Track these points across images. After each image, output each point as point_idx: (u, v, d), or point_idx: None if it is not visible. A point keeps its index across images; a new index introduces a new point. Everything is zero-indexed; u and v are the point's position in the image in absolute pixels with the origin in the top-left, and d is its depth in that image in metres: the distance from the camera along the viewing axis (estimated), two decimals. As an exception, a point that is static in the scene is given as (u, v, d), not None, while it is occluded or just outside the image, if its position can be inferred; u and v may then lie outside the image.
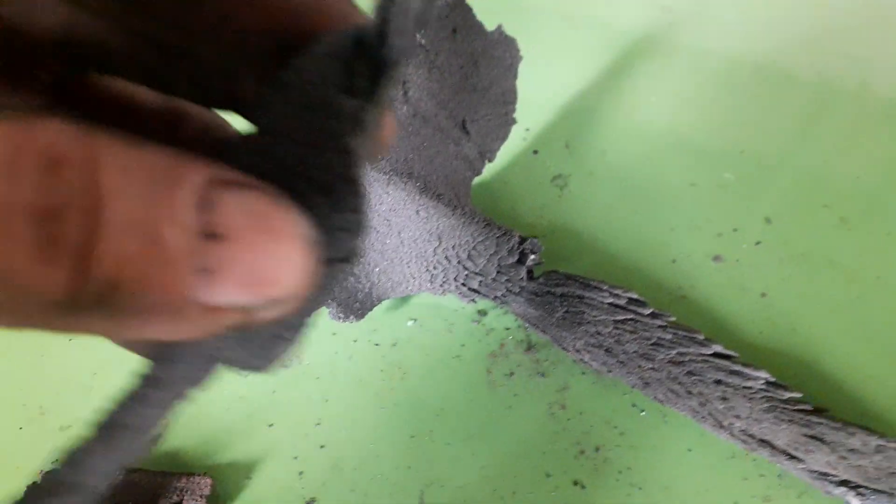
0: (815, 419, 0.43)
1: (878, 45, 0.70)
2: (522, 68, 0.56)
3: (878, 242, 0.56)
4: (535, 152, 0.62)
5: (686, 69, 0.68)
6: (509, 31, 0.54)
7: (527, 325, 0.50)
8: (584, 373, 0.48)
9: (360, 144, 0.14)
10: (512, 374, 0.48)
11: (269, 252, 0.11)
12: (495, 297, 0.49)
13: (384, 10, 0.13)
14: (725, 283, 0.53)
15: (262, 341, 0.15)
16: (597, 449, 0.45)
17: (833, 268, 0.54)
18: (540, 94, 0.64)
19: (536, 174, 0.60)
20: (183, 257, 0.10)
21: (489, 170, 0.60)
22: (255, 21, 0.14)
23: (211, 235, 0.11)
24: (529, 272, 0.49)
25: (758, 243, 0.56)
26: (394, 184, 0.48)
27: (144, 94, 0.18)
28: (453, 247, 0.48)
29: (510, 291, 0.48)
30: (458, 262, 0.48)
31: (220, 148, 0.13)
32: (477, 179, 0.60)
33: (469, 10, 0.56)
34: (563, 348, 0.48)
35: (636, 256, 0.54)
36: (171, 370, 0.15)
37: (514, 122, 0.60)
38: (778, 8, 0.71)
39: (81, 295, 0.10)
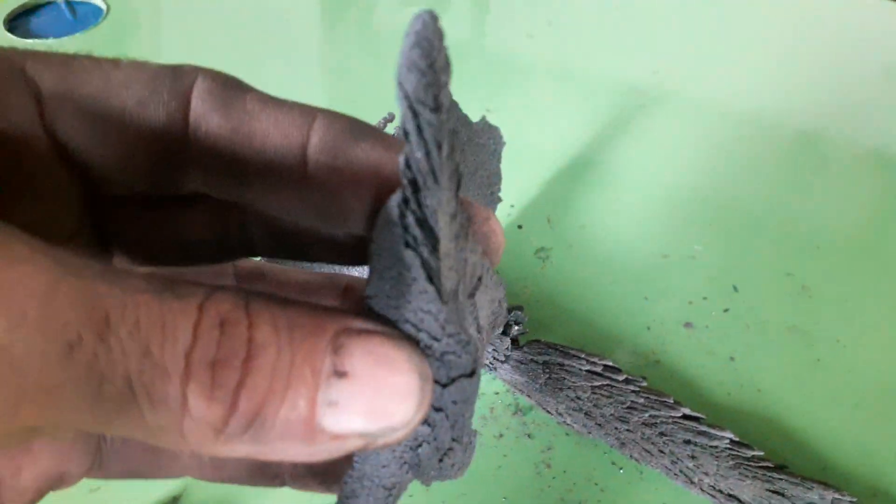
0: (776, 475, 0.48)
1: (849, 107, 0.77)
2: (506, 152, 0.62)
3: (837, 308, 0.61)
4: (520, 227, 0.68)
5: (660, 143, 0.75)
6: (498, 106, 0.60)
7: (514, 390, 0.54)
8: (567, 434, 0.52)
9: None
10: (501, 435, 0.52)
11: (384, 385, 0.14)
12: (484, 365, 0.54)
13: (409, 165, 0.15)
14: (696, 348, 0.58)
15: (430, 462, 0.19)
16: (580, 506, 0.49)
17: (795, 333, 0.60)
18: (523, 173, 0.71)
19: (521, 247, 0.66)
20: (312, 392, 0.13)
21: (478, 245, 0.66)
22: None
23: (340, 374, 0.13)
24: (515, 341, 0.54)
25: (726, 310, 0.61)
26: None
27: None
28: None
29: (497, 359, 0.53)
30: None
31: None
32: (467, 254, 0.65)
33: (455, 104, 0.63)
34: (548, 411, 0.52)
35: (613, 324, 0.60)
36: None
37: (499, 200, 0.66)
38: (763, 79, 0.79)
39: (232, 422, 0.12)
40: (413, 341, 0.16)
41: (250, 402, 0.12)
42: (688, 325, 0.60)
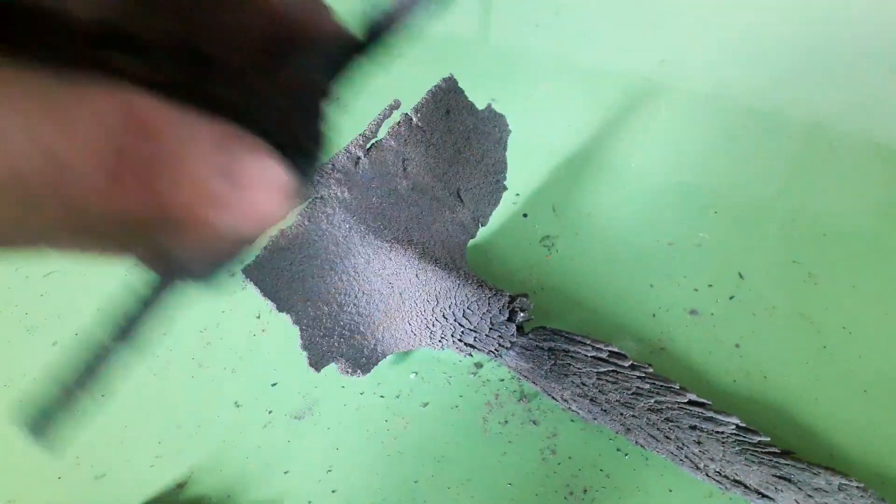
0: (782, 461, 0.47)
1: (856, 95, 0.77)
2: (512, 140, 0.62)
3: (844, 295, 0.61)
4: (525, 215, 0.67)
5: (666, 132, 0.75)
6: (504, 95, 0.60)
7: (519, 376, 0.54)
8: (572, 420, 0.52)
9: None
10: (506, 422, 0.52)
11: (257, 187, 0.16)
12: (489, 352, 0.54)
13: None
14: (702, 335, 0.58)
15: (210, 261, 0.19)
16: (585, 491, 0.49)
17: (802, 320, 0.59)
18: (529, 162, 0.70)
19: (526, 236, 0.65)
20: (205, 183, 0.15)
21: (482, 233, 0.65)
22: (264, 30, 0.18)
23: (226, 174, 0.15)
24: (520, 328, 0.54)
25: (731, 298, 0.61)
26: (395, 250, 0.54)
27: None
28: (450, 306, 0.53)
29: (502, 346, 0.53)
30: (455, 320, 0.53)
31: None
32: (472, 242, 0.65)
33: (461, 92, 0.62)
34: (553, 398, 0.52)
35: (619, 311, 0.59)
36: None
37: (504, 188, 0.66)
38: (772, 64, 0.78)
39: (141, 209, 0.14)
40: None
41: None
42: (693, 312, 0.59)
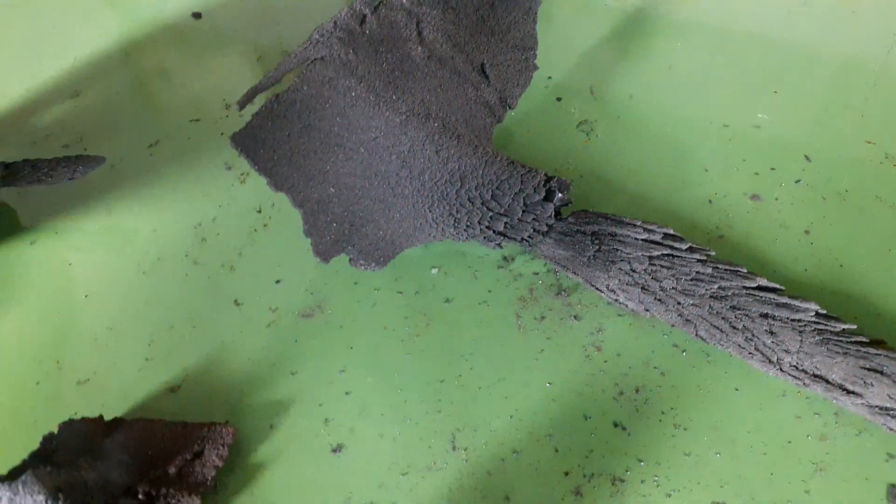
0: (872, 351, 0.40)
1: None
2: (542, 15, 0.53)
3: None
4: (559, 99, 0.59)
5: (713, 10, 0.65)
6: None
7: (556, 267, 0.47)
8: (619, 315, 0.45)
9: None
10: (543, 317, 0.45)
11: None
12: (522, 240, 0.46)
13: None
14: (765, 221, 0.50)
15: None
16: (637, 390, 0.42)
17: (880, 203, 0.51)
18: (561, 41, 0.62)
19: (561, 121, 0.57)
20: None
21: (511, 118, 0.57)
22: None
23: None
24: (557, 213, 0.47)
25: (798, 181, 0.52)
26: (411, 125, 0.46)
27: None
28: (476, 187, 0.46)
29: (537, 231, 0.46)
30: (483, 203, 0.46)
31: None
32: (499, 128, 0.57)
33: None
34: (597, 289, 0.45)
35: (669, 198, 0.51)
36: None
37: (535, 67, 0.57)
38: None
39: None
40: None
41: None
42: (755, 197, 0.51)
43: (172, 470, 0.39)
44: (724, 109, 0.57)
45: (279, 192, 0.41)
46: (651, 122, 0.57)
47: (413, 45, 0.50)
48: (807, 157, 0.54)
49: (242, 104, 0.43)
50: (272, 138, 0.42)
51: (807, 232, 0.49)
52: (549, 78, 0.60)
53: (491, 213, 0.46)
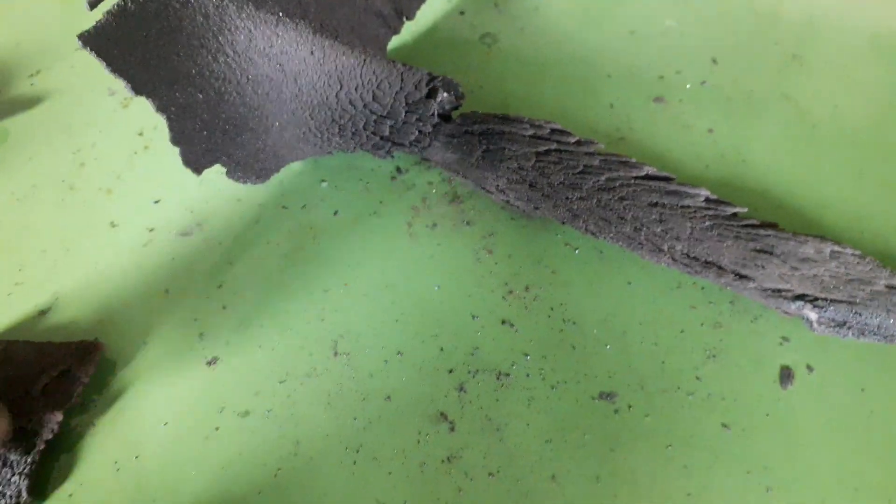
0: (762, 232, 0.38)
1: None
2: None
3: (833, 76, 0.51)
4: (462, 13, 0.56)
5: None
6: None
7: (448, 173, 0.44)
8: (512, 218, 0.43)
9: None
10: (435, 225, 0.43)
11: None
12: (410, 144, 0.44)
13: None
14: (668, 122, 0.48)
15: None
16: (526, 288, 0.40)
17: (787, 102, 0.49)
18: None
19: (463, 34, 0.55)
20: None
21: (412, 32, 0.55)
22: None
23: None
24: (447, 116, 0.44)
25: (703, 83, 0.50)
26: (284, 25, 0.43)
27: None
28: (356, 88, 0.43)
29: (423, 134, 0.43)
30: (364, 106, 0.43)
31: None
32: (400, 41, 0.54)
33: None
34: (486, 190, 0.43)
35: (570, 104, 0.49)
36: None
37: (435, -20, 0.54)
38: None
39: None
40: None
41: None
42: (658, 99, 0.49)
43: (36, 388, 0.36)
44: (631, 16, 0.55)
45: (139, 97, 0.38)
46: (555, 33, 0.54)
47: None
48: (714, 60, 0.52)
49: (93, 3, 0.39)
50: (127, 39, 0.39)
51: (710, 130, 0.47)
52: (451, -8, 0.57)
53: (374, 116, 0.43)
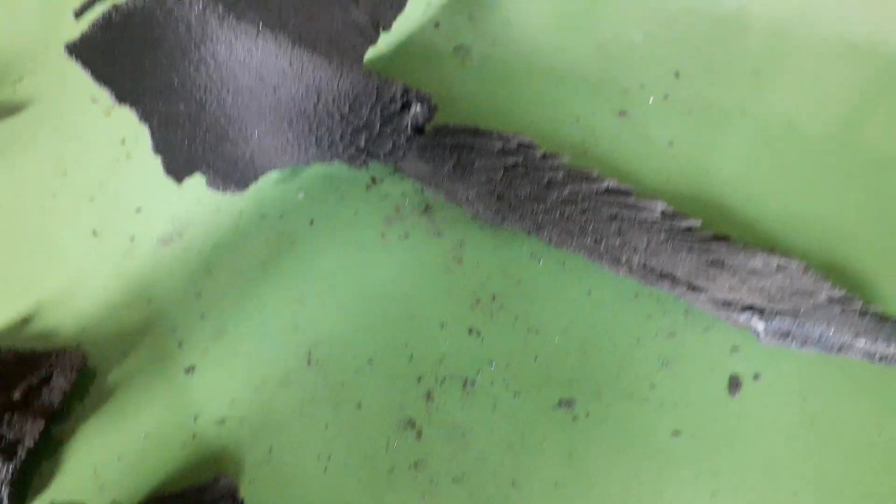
0: (714, 245, 0.39)
1: None
2: None
3: (790, 91, 0.51)
4: (437, 25, 0.55)
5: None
6: None
7: (422, 184, 0.44)
8: (481, 228, 0.43)
9: None
10: (408, 235, 0.43)
11: None
12: (385, 155, 0.43)
13: None
14: (630, 135, 0.48)
15: None
16: (493, 298, 0.40)
17: (744, 116, 0.49)
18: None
19: (438, 46, 0.54)
20: None
21: (388, 42, 0.54)
22: None
23: None
24: (420, 128, 0.44)
25: (666, 97, 0.50)
26: (264, 36, 0.42)
27: None
28: (333, 99, 0.42)
29: (397, 145, 0.43)
30: (341, 118, 0.43)
31: None
32: (376, 52, 0.54)
33: None
34: (457, 202, 0.43)
35: (538, 117, 0.49)
36: None
37: (411, -8, 0.54)
38: None
39: None
40: None
41: None
42: (622, 113, 0.49)
43: (17, 395, 0.36)
44: (599, 30, 0.55)
45: (122, 105, 0.37)
46: (526, 46, 0.54)
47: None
48: (676, 74, 0.52)
49: (79, 13, 0.38)
50: (112, 50, 0.38)
51: (671, 144, 0.47)
52: (428, 3, 0.56)
53: (351, 128, 0.43)
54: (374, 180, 0.45)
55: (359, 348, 0.38)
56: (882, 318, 0.36)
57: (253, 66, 0.42)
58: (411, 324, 0.39)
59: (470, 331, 0.39)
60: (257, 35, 0.42)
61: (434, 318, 0.39)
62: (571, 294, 0.40)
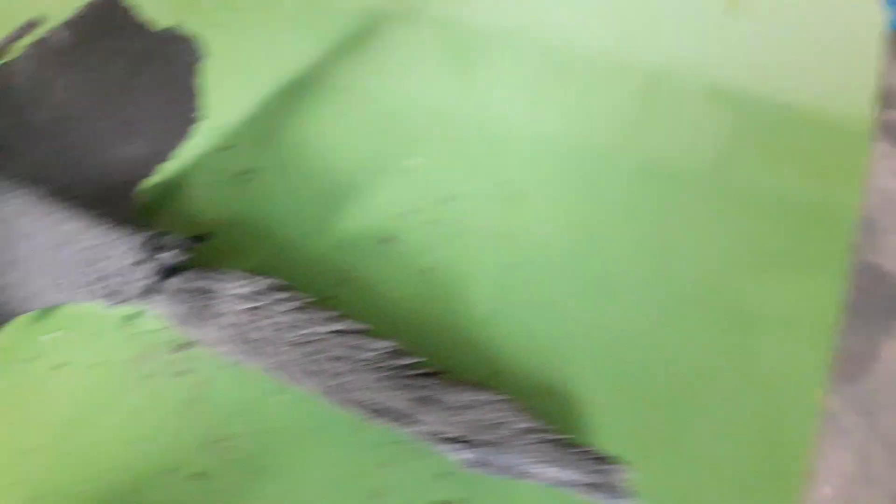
0: (431, 381, 0.42)
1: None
2: (217, 67, 0.52)
3: (545, 211, 0.56)
4: (225, 149, 0.58)
5: (390, 60, 0.66)
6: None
7: (174, 324, 0.46)
8: (229, 367, 0.44)
9: None
10: (151, 376, 0.44)
11: None
12: (138, 297, 0.45)
13: None
14: (392, 262, 0.52)
15: None
16: (231, 437, 0.41)
17: (499, 238, 0.54)
18: (234, 91, 0.60)
19: (223, 170, 0.56)
20: None
21: (173, 168, 0.56)
22: None
23: None
24: (174, 270, 0.46)
25: (434, 222, 0.55)
26: (17, 190, 0.43)
27: None
28: (81, 250, 0.44)
29: (149, 290, 0.44)
30: (91, 266, 0.44)
31: None
32: (158, 178, 0.55)
33: (126, 10, 0.51)
34: (206, 343, 0.44)
35: (307, 244, 0.52)
36: None
37: (195, 120, 0.56)
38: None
39: None
40: None
41: None
42: (388, 239, 0.53)
43: None
44: (380, 154, 0.59)
45: None
46: (309, 170, 0.57)
47: (35, 111, 0.47)
48: (452, 198, 0.56)
49: None
50: None
51: (430, 269, 0.51)
52: (217, 128, 0.58)
53: (97, 275, 0.44)
54: (129, 318, 0.46)
55: (83, 499, 0.38)
56: (571, 446, 0.41)
57: (6, 216, 0.43)
58: (144, 471, 0.40)
59: (197, 475, 0.40)
60: (11, 188, 0.43)
61: (165, 463, 0.40)
62: (300, 431, 0.43)
